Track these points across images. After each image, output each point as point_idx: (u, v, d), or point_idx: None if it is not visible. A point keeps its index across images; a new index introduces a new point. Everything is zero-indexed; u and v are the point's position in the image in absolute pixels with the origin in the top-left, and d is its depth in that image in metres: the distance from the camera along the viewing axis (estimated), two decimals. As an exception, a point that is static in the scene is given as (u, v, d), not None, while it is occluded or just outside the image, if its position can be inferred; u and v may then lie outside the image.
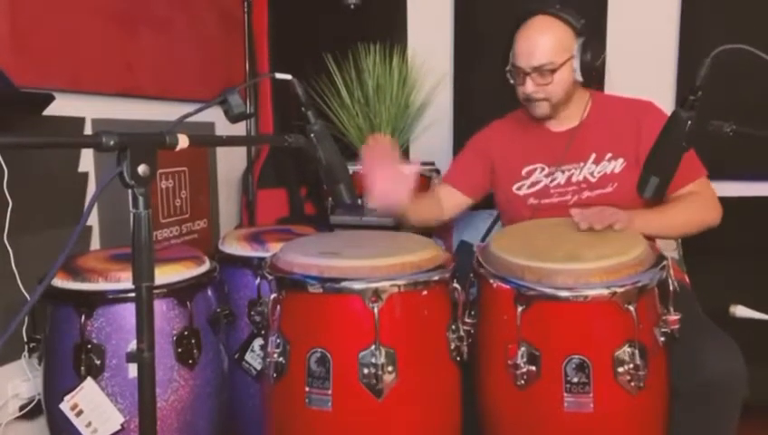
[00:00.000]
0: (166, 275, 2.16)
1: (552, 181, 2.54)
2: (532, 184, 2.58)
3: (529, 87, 2.45)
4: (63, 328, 2.11)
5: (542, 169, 2.57)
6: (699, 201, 2.42)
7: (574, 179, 2.52)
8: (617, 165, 2.48)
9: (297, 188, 3.87)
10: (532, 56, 2.40)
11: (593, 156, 2.51)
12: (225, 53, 3.70)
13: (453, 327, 2.03)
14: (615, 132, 2.50)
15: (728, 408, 2.02)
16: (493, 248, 2.07)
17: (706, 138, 1.86)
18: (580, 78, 2.45)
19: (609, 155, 2.49)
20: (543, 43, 2.40)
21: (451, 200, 2.74)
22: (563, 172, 2.53)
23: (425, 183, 3.48)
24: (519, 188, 2.60)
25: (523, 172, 2.61)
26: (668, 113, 2.42)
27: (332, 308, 1.93)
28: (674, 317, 1.91)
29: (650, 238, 2.21)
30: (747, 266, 3.27)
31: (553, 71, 2.41)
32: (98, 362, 2.06)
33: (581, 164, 2.52)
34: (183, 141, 1.44)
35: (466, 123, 3.66)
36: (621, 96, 2.66)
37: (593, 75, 2.45)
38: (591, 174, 2.50)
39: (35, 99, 2.28)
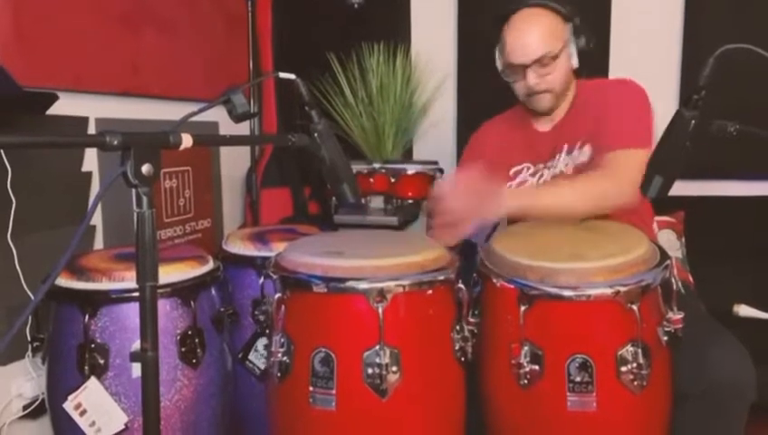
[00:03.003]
0: (170, 274, 2.16)
1: (539, 179, 2.54)
2: (520, 184, 2.58)
3: (531, 79, 2.42)
4: (67, 327, 2.11)
5: (528, 169, 2.57)
6: (598, 176, 2.27)
7: (554, 174, 2.51)
8: (584, 153, 2.46)
9: (301, 187, 3.88)
10: (528, 49, 2.39)
11: (565, 147, 2.50)
12: (229, 53, 3.71)
13: (457, 327, 2.03)
14: (584, 119, 2.48)
15: (736, 411, 2.02)
16: (496, 248, 2.07)
17: (710, 137, 1.86)
18: (576, 63, 2.45)
19: (579, 143, 2.47)
20: (537, 34, 2.39)
21: None
22: (549, 169, 2.53)
23: (427, 182, 3.49)
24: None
25: (511, 173, 2.60)
26: (644, 91, 2.39)
27: (337, 308, 1.92)
28: (677, 317, 1.90)
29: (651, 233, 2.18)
30: (751, 265, 3.27)
31: (554, 58, 2.40)
32: (101, 362, 2.06)
33: (558, 157, 2.51)
34: (187, 141, 1.44)
35: (470, 123, 3.64)
36: (601, 79, 2.63)
37: (592, 61, 2.44)
38: (566, 165, 2.49)
39: (39, 98, 2.28)
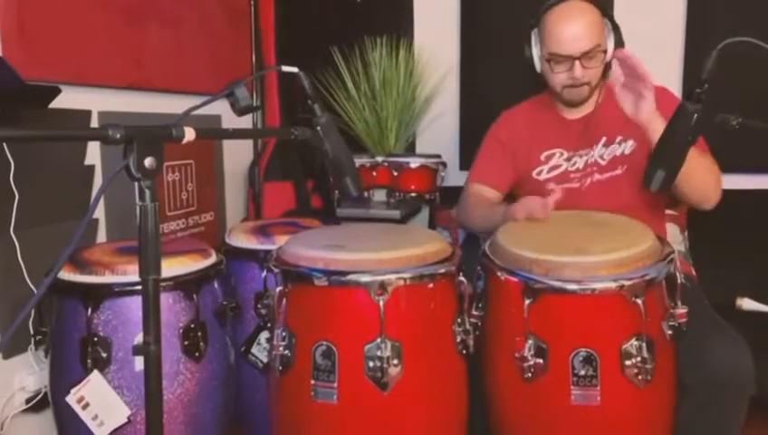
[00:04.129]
0: (172, 267, 2.16)
1: (572, 166, 2.57)
2: (552, 168, 2.60)
3: (578, 72, 2.44)
4: (70, 321, 2.11)
5: (562, 154, 2.59)
6: (716, 172, 2.37)
7: (587, 163, 2.54)
8: (626, 147, 2.51)
9: (303, 180, 3.87)
10: (580, 41, 2.40)
11: (603, 139, 2.54)
12: (232, 46, 3.70)
13: (459, 320, 2.03)
14: (624, 115, 2.49)
15: (735, 403, 2.03)
16: (500, 241, 2.07)
17: (713, 130, 1.85)
18: (610, 59, 2.48)
19: (620, 138, 2.52)
20: (586, 26, 2.41)
21: (485, 198, 2.72)
22: (582, 157, 2.55)
23: (430, 175, 3.48)
24: (539, 174, 2.61)
25: (542, 157, 2.62)
26: (677, 96, 2.46)
27: (338, 301, 1.93)
28: (681, 311, 1.90)
29: (662, 225, 2.18)
30: (753, 259, 3.27)
31: (604, 51, 2.44)
32: (104, 355, 2.06)
33: (594, 147, 2.54)
34: (189, 134, 1.43)
35: (473, 116, 3.66)
36: None
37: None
38: (602, 157, 2.53)
39: (42, 91, 2.27)
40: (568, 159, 2.58)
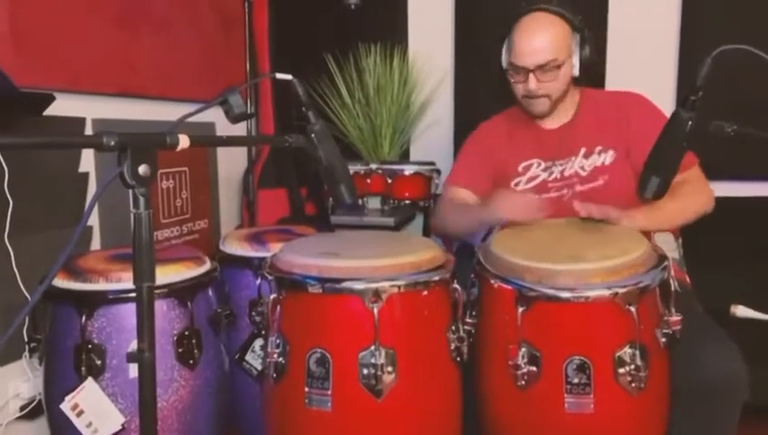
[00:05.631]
0: (166, 275, 2.16)
1: (549, 176, 2.56)
2: (530, 179, 2.60)
3: (532, 84, 2.45)
4: (64, 328, 2.11)
5: (539, 164, 2.59)
6: (693, 191, 2.42)
7: (566, 174, 2.54)
8: (607, 157, 2.51)
9: (298, 188, 3.87)
10: (535, 54, 2.41)
11: (583, 150, 2.54)
12: (226, 54, 3.70)
13: (453, 328, 2.03)
14: (604, 126, 2.53)
15: (728, 409, 2.03)
16: (494, 248, 2.07)
17: (707, 138, 1.86)
18: (577, 73, 2.48)
19: (599, 148, 2.52)
20: (546, 40, 2.41)
21: (461, 199, 2.71)
22: (560, 167, 2.55)
23: (425, 183, 3.49)
24: (517, 184, 2.61)
25: (520, 168, 2.62)
26: (656, 105, 2.47)
27: (332, 308, 1.93)
28: (675, 318, 1.90)
29: (648, 235, 2.21)
30: (748, 266, 3.27)
31: (559, 66, 2.42)
32: (98, 363, 2.06)
33: (572, 159, 2.54)
34: (184, 141, 1.44)
35: (467, 123, 3.64)
36: (609, 90, 2.67)
37: (591, 71, 2.47)
38: (582, 168, 2.53)
39: (36, 99, 2.27)
40: (545, 170, 2.58)
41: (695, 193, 2.43)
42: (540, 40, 2.41)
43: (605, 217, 2.19)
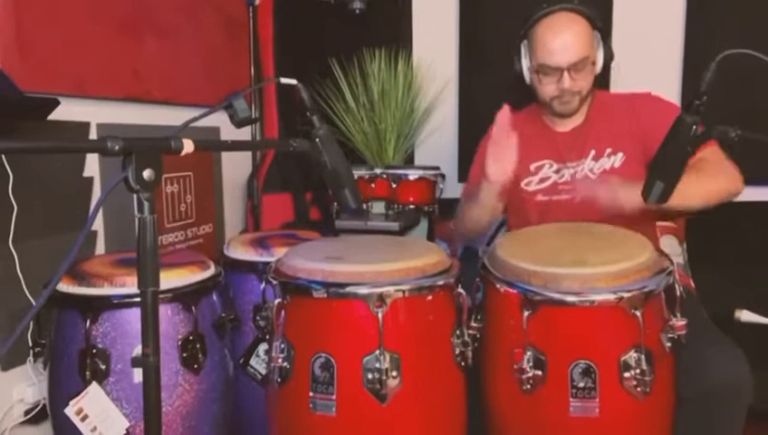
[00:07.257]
0: (171, 279, 2.16)
1: (560, 178, 2.56)
2: (541, 180, 2.60)
3: (567, 83, 2.44)
4: (69, 333, 2.10)
5: (551, 166, 2.59)
6: (713, 168, 2.33)
7: (577, 176, 2.54)
8: (616, 160, 2.51)
9: (302, 192, 3.87)
10: (568, 52, 2.41)
11: (593, 152, 2.54)
12: (231, 58, 3.70)
13: (457, 332, 2.03)
14: (614, 128, 2.53)
15: (733, 415, 2.02)
16: (499, 253, 2.07)
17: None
18: (599, 70, 2.50)
19: (609, 150, 2.52)
20: (576, 37, 2.42)
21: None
22: (571, 169, 2.55)
23: (429, 187, 3.49)
24: (528, 184, 2.61)
25: (532, 168, 2.61)
26: (669, 103, 2.46)
27: (337, 313, 1.93)
28: (680, 323, 1.90)
29: (655, 240, 2.19)
30: (752, 271, 3.27)
31: (592, 63, 2.45)
32: (103, 367, 2.06)
33: (583, 161, 2.55)
34: (188, 146, 1.44)
35: (471, 128, 3.66)
36: (620, 93, 2.67)
37: (605, 71, 2.49)
38: (591, 170, 2.52)
39: (40, 103, 2.28)
40: (557, 172, 2.58)
41: (718, 174, 2.34)
42: (570, 37, 2.41)
43: (611, 195, 2.20)
